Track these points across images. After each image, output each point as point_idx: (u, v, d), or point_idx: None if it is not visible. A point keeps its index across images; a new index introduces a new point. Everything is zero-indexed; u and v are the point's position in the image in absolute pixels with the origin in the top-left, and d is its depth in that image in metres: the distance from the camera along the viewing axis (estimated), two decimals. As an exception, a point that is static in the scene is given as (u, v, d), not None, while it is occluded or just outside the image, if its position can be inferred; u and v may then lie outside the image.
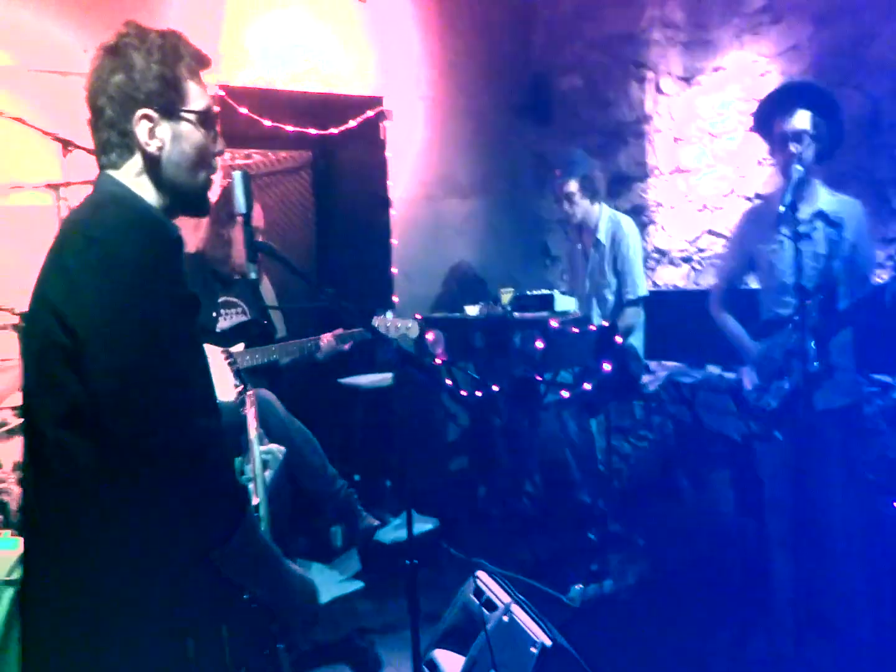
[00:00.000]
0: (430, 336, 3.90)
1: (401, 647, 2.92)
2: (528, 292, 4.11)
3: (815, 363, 2.67)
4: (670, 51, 4.56)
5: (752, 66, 4.13)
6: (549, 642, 2.21)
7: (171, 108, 1.39)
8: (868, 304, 2.67)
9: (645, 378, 4.11)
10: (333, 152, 4.97)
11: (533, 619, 2.32)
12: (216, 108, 1.47)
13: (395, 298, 4.64)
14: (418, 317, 3.68)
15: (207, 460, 1.27)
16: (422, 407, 4.73)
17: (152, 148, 1.39)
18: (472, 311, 4.15)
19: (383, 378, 4.20)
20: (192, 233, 3.48)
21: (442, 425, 4.86)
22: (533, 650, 2.20)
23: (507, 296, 4.22)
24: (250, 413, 1.90)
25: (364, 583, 3.46)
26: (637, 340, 4.04)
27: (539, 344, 3.68)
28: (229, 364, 2.07)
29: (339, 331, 3.54)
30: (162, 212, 1.43)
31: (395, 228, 4.73)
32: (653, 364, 4.32)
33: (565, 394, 3.80)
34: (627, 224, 4.06)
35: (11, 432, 2.82)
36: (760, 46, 4.09)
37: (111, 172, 1.41)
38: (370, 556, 3.60)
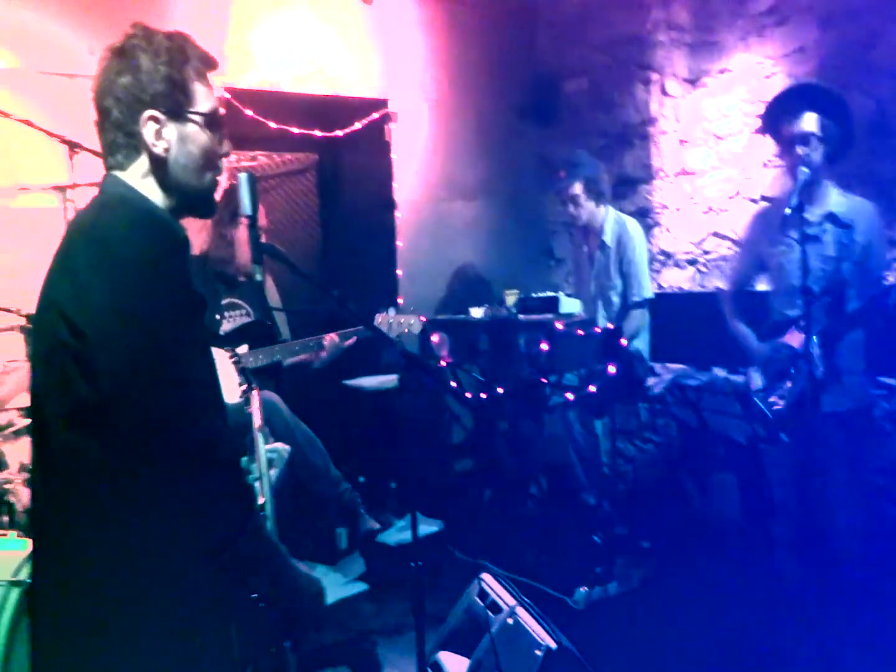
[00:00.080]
0: (434, 338, 3.91)
1: (405, 649, 2.92)
2: (533, 294, 4.12)
3: (821, 366, 2.66)
4: (676, 53, 4.55)
5: (757, 68, 4.12)
6: (553, 645, 2.20)
7: (177, 109, 1.39)
8: (876, 307, 2.66)
9: (650, 380, 4.10)
10: (338, 154, 4.98)
11: (537, 621, 2.32)
12: (222, 110, 1.47)
13: (399, 300, 4.65)
14: (423, 319, 3.68)
15: (215, 460, 1.28)
16: (426, 409, 4.73)
17: (159, 149, 1.39)
18: (476, 313, 4.15)
19: (388, 380, 4.20)
20: (197, 234, 3.49)
21: (447, 427, 4.85)
22: (537, 653, 2.20)
23: (511, 298, 4.23)
24: (255, 411, 1.90)
25: (368, 585, 3.46)
26: (642, 343, 4.03)
27: (544, 346, 3.68)
28: (234, 363, 2.07)
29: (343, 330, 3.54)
30: (168, 212, 1.43)
31: (399, 230, 4.74)
32: (658, 366, 4.31)
33: (570, 396, 3.79)
34: (633, 226, 4.05)
35: (18, 433, 2.82)
36: (766, 48, 4.09)
37: (117, 174, 1.41)
38: (374, 558, 3.60)
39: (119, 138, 1.39)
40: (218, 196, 1.54)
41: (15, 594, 2.05)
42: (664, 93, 4.64)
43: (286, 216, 5.06)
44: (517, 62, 5.19)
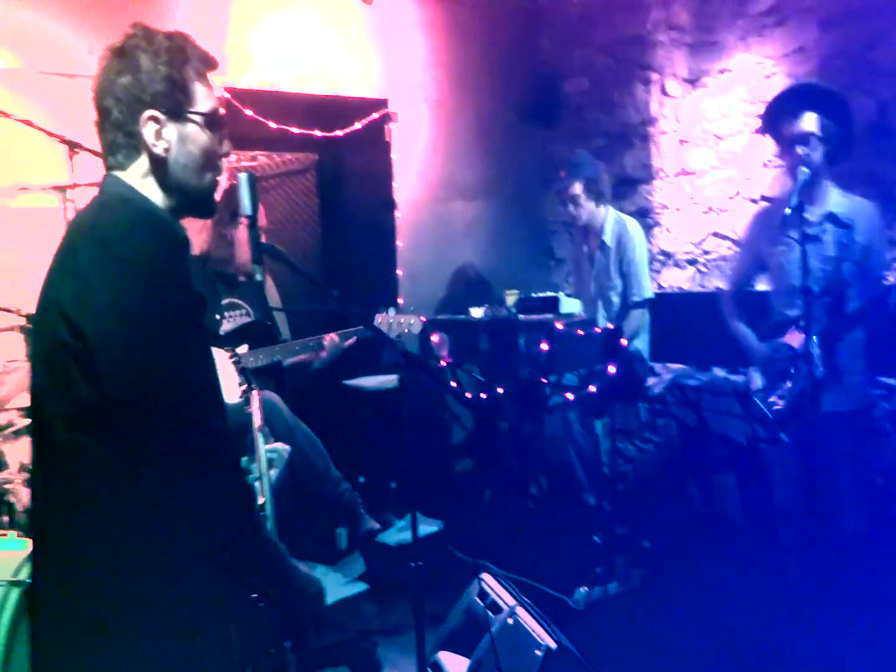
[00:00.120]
0: (435, 338, 3.91)
1: (405, 649, 2.91)
2: (533, 294, 4.12)
3: (820, 366, 2.66)
4: (676, 53, 4.55)
5: (757, 68, 4.12)
6: (553, 645, 2.21)
7: (177, 109, 1.39)
8: (877, 307, 2.66)
9: (650, 380, 4.10)
10: (339, 154, 4.98)
11: (538, 621, 2.32)
12: (222, 110, 1.47)
13: (400, 300, 4.65)
14: (423, 319, 3.68)
15: (216, 460, 1.28)
16: (426, 409, 4.73)
17: (159, 149, 1.39)
18: (476, 313, 4.15)
19: (388, 380, 4.20)
20: (197, 234, 3.49)
21: (447, 427, 4.85)
22: (537, 653, 2.20)
23: (511, 298, 4.23)
24: (255, 411, 1.90)
25: (368, 585, 3.46)
26: (642, 343, 4.03)
27: (544, 346, 3.68)
28: (234, 363, 2.07)
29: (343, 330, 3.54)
30: (168, 212, 1.43)
31: (400, 230, 4.74)
32: (658, 366, 4.31)
33: (570, 396, 3.80)
34: (633, 226, 4.05)
35: (18, 433, 2.82)
36: (766, 48, 4.09)
37: (117, 173, 1.41)
38: (374, 559, 3.60)
39: (119, 138, 1.39)
40: (218, 196, 1.54)
41: (15, 594, 2.05)
42: (664, 93, 4.64)
43: (286, 216, 5.06)
44: (517, 62, 5.19)
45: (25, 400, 2.74)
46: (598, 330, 3.70)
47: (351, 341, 3.50)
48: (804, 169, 2.73)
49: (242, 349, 3.35)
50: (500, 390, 3.93)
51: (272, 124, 4.22)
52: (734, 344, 3.14)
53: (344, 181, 5.07)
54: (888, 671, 2.71)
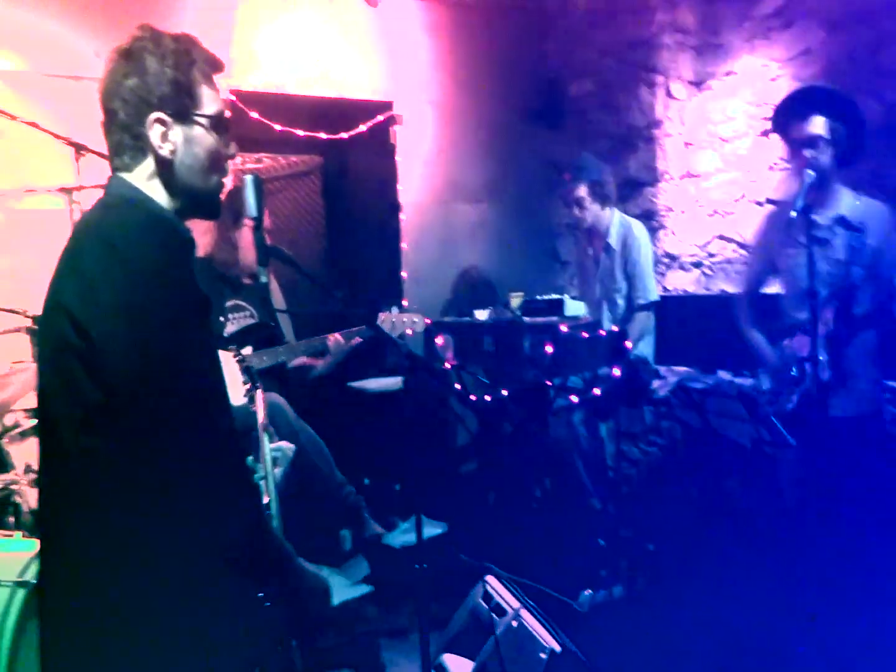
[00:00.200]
0: (439, 340, 3.90)
1: (409, 652, 2.91)
2: (538, 297, 4.11)
3: (827, 369, 2.65)
4: (681, 56, 4.55)
5: (763, 70, 4.12)
6: (558, 648, 2.20)
7: (184, 112, 1.40)
8: (886, 311, 2.65)
9: (655, 383, 4.10)
10: (344, 157, 4.99)
11: (542, 624, 2.31)
12: (228, 113, 1.48)
13: (404, 302, 4.65)
14: (428, 321, 3.67)
15: (222, 460, 1.28)
16: (431, 411, 4.73)
17: (165, 151, 1.39)
18: (481, 315, 4.15)
19: (393, 382, 4.20)
20: (201, 236, 3.49)
21: (451, 430, 4.85)
22: (542, 655, 2.20)
23: (516, 300, 4.22)
24: (259, 410, 1.90)
25: (372, 587, 3.46)
26: (647, 345, 4.03)
27: (549, 349, 3.67)
28: (238, 361, 2.08)
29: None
30: (173, 214, 1.43)
31: (404, 233, 4.74)
32: (663, 369, 4.31)
33: (575, 399, 3.79)
34: (638, 228, 4.05)
35: (24, 434, 2.83)
36: (772, 51, 4.08)
37: (123, 175, 1.41)
38: (379, 561, 3.59)
39: (125, 140, 1.39)
40: (222, 198, 1.55)
41: (20, 595, 2.05)
42: (669, 95, 4.64)
43: (291, 218, 5.07)
44: (522, 64, 5.18)
45: (32, 401, 2.75)
46: (602, 332, 3.70)
47: (355, 341, 3.49)
48: (810, 172, 2.73)
49: (246, 351, 3.35)
50: (504, 393, 3.93)
51: (277, 126, 4.23)
52: (739, 347, 3.13)
53: (349, 183, 5.07)
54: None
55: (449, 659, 2.52)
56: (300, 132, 4.36)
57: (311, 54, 4.40)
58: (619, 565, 3.56)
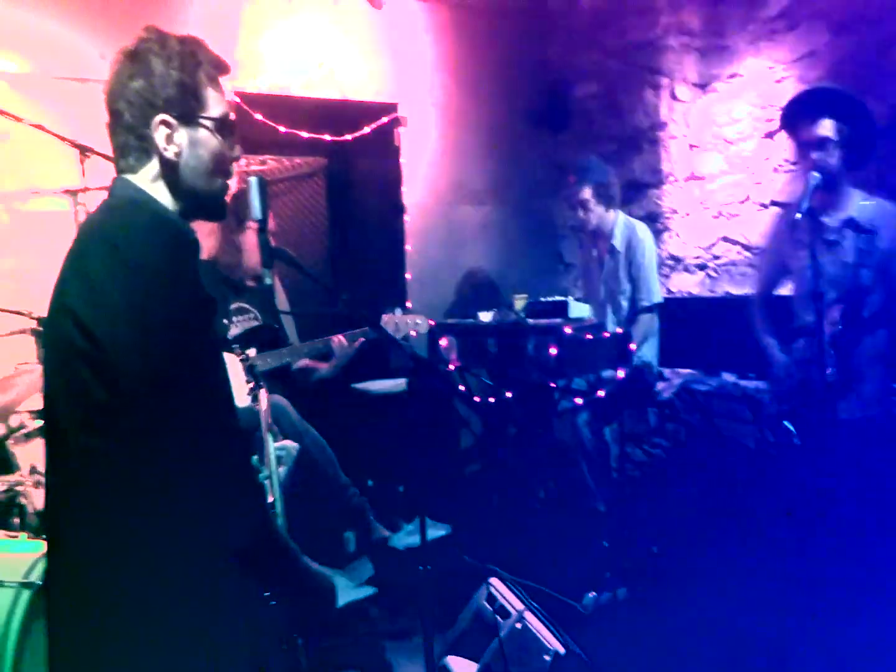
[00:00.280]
0: (443, 342, 3.91)
1: (413, 653, 2.91)
2: (542, 299, 4.11)
3: (832, 371, 2.64)
4: (686, 57, 4.55)
5: (768, 72, 4.12)
6: (562, 650, 2.20)
7: (189, 114, 1.40)
8: (893, 313, 2.64)
9: (659, 385, 4.09)
10: (348, 158, 4.99)
11: (546, 626, 2.31)
12: (233, 115, 1.48)
13: (408, 304, 4.65)
14: (432, 323, 3.67)
15: (228, 460, 1.29)
16: (435, 413, 4.73)
17: (170, 153, 1.40)
18: (485, 317, 4.15)
19: (397, 384, 4.21)
20: (205, 239, 3.50)
21: (455, 431, 4.85)
22: (546, 657, 2.20)
23: (520, 302, 4.22)
24: (263, 409, 1.91)
25: (376, 588, 3.46)
26: (651, 347, 4.02)
27: (553, 350, 3.67)
28: (241, 360, 2.08)
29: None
30: (178, 216, 1.44)
31: (409, 235, 4.74)
32: (667, 371, 4.30)
33: (579, 401, 3.79)
34: (642, 230, 4.05)
35: (29, 436, 2.83)
36: (777, 53, 4.08)
37: (128, 177, 1.42)
38: (383, 562, 3.59)
39: (130, 141, 1.40)
40: (227, 200, 1.55)
41: (26, 596, 2.05)
42: (674, 97, 4.64)
43: (295, 220, 5.08)
44: (527, 66, 5.19)
45: (37, 403, 2.75)
46: (606, 335, 3.69)
47: (359, 342, 3.49)
48: (815, 174, 2.72)
49: (251, 353, 3.36)
50: (508, 394, 3.93)
51: (282, 128, 4.24)
52: (744, 349, 3.13)
53: (353, 185, 5.08)
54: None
55: (453, 661, 2.52)
56: (304, 134, 4.37)
57: (315, 56, 4.40)
58: (622, 567, 3.56)
